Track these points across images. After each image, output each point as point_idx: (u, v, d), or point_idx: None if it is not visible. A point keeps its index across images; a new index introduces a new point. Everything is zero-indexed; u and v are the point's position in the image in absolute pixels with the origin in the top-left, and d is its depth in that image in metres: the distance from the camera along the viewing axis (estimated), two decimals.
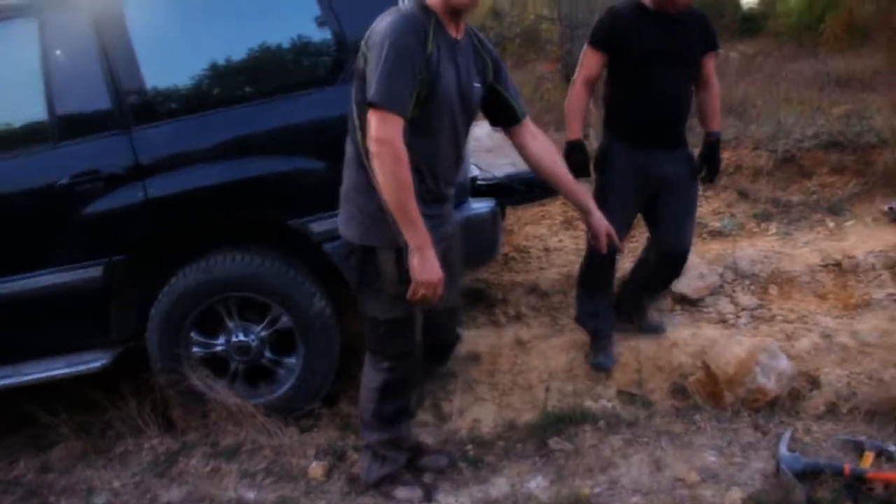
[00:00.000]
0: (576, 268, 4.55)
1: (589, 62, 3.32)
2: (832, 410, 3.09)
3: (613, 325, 3.65)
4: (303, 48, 3.34)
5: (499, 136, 4.38)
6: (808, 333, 3.66)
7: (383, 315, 2.55)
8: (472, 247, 3.20)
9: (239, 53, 3.30)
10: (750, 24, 12.21)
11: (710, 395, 3.15)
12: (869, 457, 2.73)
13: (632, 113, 3.33)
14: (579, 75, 3.34)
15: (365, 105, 2.30)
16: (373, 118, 2.26)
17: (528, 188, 3.55)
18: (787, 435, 2.83)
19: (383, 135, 2.24)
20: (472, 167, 3.71)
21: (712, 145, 3.47)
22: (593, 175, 3.51)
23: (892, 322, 3.73)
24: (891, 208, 4.85)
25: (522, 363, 3.72)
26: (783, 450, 2.72)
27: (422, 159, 2.40)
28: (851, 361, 3.48)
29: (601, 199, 3.14)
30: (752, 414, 3.06)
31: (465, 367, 3.71)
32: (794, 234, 4.79)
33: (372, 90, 2.24)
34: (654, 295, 3.87)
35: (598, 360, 3.54)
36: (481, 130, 4.61)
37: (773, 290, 4.14)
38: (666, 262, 3.52)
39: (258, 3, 3.28)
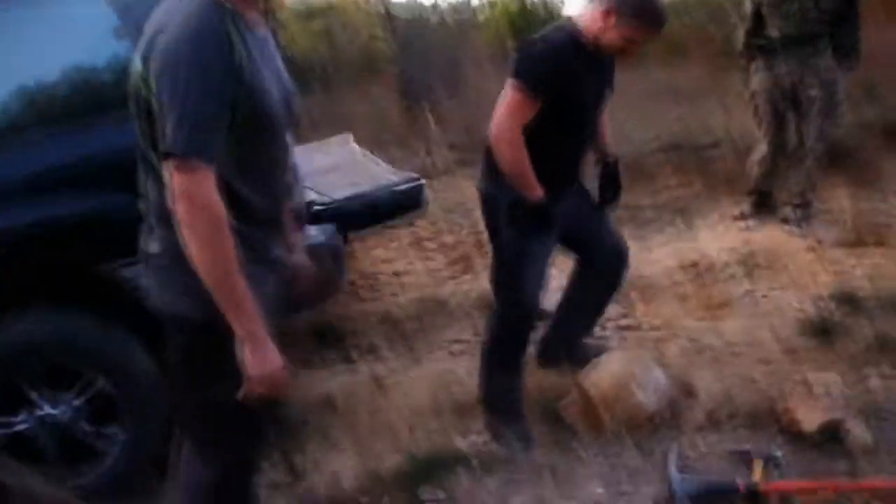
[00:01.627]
0: (429, 291, 4.28)
1: (525, 111, 2.70)
2: (713, 420, 2.91)
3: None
4: (99, 67, 2.88)
5: (337, 154, 4.04)
6: (676, 339, 3.51)
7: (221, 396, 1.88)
8: (315, 279, 2.84)
9: (26, 74, 2.79)
10: None
11: (586, 419, 2.90)
12: (758, 466, 2.55)
13: (557, 162, 2.86)
14: (513, 123, 2.71)
15: (159, 154, 1.73)
16: (175, 174, 1.66)
17: (373, 210, 3.22)
18: (673, 454, 2.61)
19: (191, 194, 1.66)
20: (308, 191, 3.34)
21: (615, 166, 3.19)
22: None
23: (754, 319, 3.64)
24: (742, 213, 4.85)
25: (382, 403, 3.35)
26: (673, 472, 2.49)
27: (253, 202, 1.85)
28: (722, 364, 3.33)
29: (517, 256, 2.84)
30: (633, 434, 2.82)
31: (318, 414, 3.30)
32: (647, 238, 4.70)
33: (168, 136, 1.66)
34: (599, 318, 3.47)
35: (521, 445, 2.88)
36: (318, 150, 4.25)
37: (635, 296, 3.99)
38: (613, 269, 3.20)
39: (46, 14, 2.79)
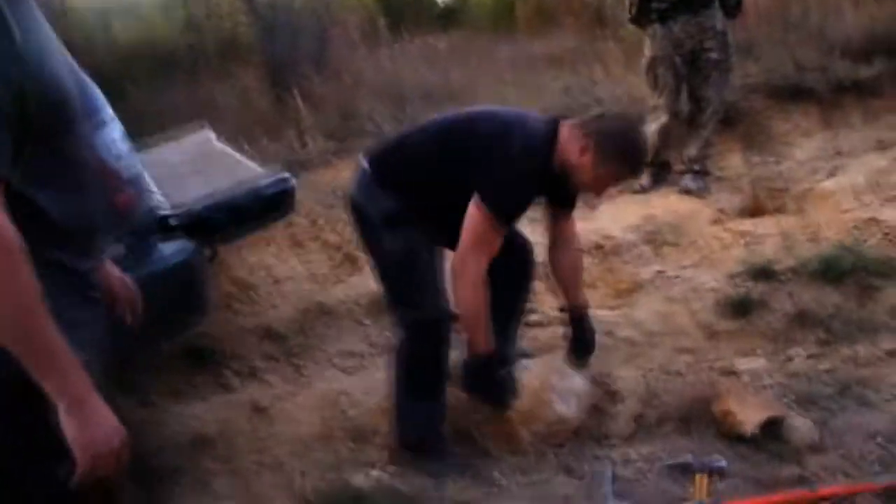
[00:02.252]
0: (313, 298, 3.83)
1: (493, 243, 2.37)
2: (643, 425, 2.60)
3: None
4: None
5: (194, 152, 3.53)
6: None
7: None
8: (171, 307, 2.37)
9: None
10: (446, 19, 12.21)
11: (503, 439, 2.54)
12: (702, 481, 2.24)
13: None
14: (480, 256, 2.34)
15: None
16: None
17: (236, 218, 2.74)
18: (608, 476, 2.27)
19: None
20: (157, 198, 2.84)
21: (584, 318, 2.79)
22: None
23: (669, 303, 3.37)
24: (641, 186, 4.59)
25: (266, 436, 2.90)
26: (610, 500, 2.15)
27: (57, 215, 1.39)
28: (642, 358, 3.05)
29: (405, 266, 2.46)
30: (557, 452, 2.48)
31: (192, 456, 2.82)
32: (543, 221, 4.37)
33: None
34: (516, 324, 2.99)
35: (447, 466, 2.51)
36: (172, 148, 3.71)
37: (539, 286, 3.65)
38: (523, 269, 2.84)
39: None
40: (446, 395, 2.57)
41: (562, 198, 2.62)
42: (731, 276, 3.44)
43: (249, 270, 4.28)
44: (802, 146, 5.09)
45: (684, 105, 4.65)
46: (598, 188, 2.49)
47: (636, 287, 3.53)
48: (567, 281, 2.78)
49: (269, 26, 7.44)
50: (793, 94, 5.49)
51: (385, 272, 2.54)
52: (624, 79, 5.62)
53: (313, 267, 4.24)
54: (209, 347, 3.48)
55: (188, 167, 3.33)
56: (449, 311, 2.44)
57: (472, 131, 2.42)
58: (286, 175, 2.95)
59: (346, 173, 5.27)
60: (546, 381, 2.54)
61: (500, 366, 2.54)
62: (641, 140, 2.46)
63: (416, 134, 2.58)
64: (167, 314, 2.37)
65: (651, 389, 2.82)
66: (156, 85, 7.93)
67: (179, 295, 2.42)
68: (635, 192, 4.60)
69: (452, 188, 2.40)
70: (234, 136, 6.24)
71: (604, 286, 3.56)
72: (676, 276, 3.55)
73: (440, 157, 2.43)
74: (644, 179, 4.65)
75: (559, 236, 2.72)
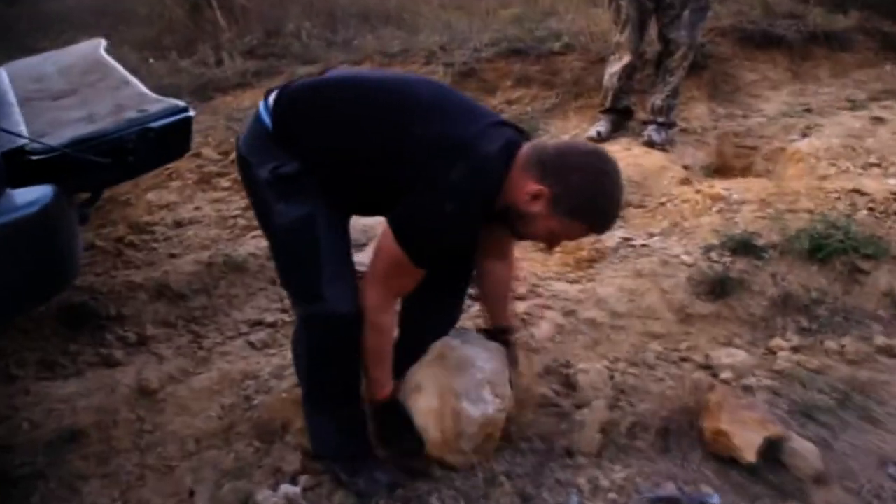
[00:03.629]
0: (221, 248, 3.27)
1: (407, 281, 1.89)
2: (612, 437, 2.15)
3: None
4: None
5: (74, 69, 2.88)
6: (547, 312, 2.72)
7: None
8: (20, 271, 1.81)
9: None
10: None
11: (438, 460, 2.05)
12: None
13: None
14: (388, 292, 1.89)
15: None
16: None
17: (115, 160, 2.14)
18: None
19: None
20: (21, 127, 2.22)
21: (509, 345, 2.23)
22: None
23: (636, 277, 2.92)
24: (599, 134, 4.11)
25: (153, 427, 2.36)
26: None
27: None
28: (607, 343, 2.61)
29: (302, 239, 1.88)
30: (510, 473, 2.01)
31: (58, 454, 2.27)
32: None
33: None
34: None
35: (375, 484, 2.02)
36: (48, 62, 3.06)
37: None
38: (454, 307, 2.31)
39: None
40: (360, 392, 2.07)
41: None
42: (706, 249, 3.01)
43: (148, 210, 3.68)
44: (770, 99, 4.68)
45: (652, 45, 4.16)
46: (548, 243, 1.93)
47: (599, 256, 3.06)
48: (495, 296, 2.23)
49: None
50: (762, 41, 5.07)
51: (277, 249, 1.98)
52: (585, 10, 5.09)
53: (223, 208, 3.65)
54: (90, 306, 2.90)
55: (64, 84, 2.68)
56: (359, 305, 1.90)
57: (409, 126, 1.81)
58: (181, 103, 2.34)
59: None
60: (444, 389, 2.01)
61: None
62: (612, 194, 1.81)
63: (335, 90, 1.94)
64: (15, 280, 1.81)
65: (618, 386, 2.40)
66: None
67: (32, 256, 1.83)
68: (591, 139, 4.12)
69: (368, 176, 1.85)
70: (141, 47, 5.52)
71: (561, 253, 3.08)
72: (644, 246, 3.10)
73: (362, 136, 1.83)
74: (602, 126, 4.18)
75: (493, 244, 2.11)
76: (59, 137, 2.10)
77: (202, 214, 3.61)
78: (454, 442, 1.99)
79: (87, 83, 2.69)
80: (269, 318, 2.83)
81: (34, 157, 2.07)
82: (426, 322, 2.17)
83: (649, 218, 3.34)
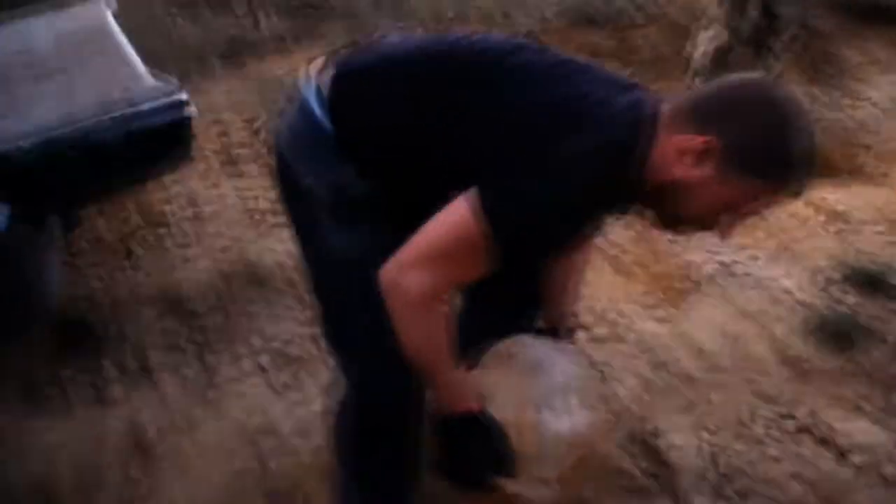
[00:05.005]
0: (243, 247, 2.83)
1: (474, 267, 1.30)
2: None
3: None
4: None
5: (67, 39, 2.41)
6: (630, 362, 2.23)
7: None
8: None
9: None
10: None
11: None
12: None
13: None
14: (441, 279, 1.30)
15: None
16: None
17: (90, 171, 1.66)
18: None
19: None
20: None
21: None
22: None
23: (742, 319, 2.40)
24: None
25: (148, 491, 1.94)
26: None
27: None
28: (705, 406, 2.12)
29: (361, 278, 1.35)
30: None
31: None
32: None
33: None
34: None
35: None
36: (39, 28, 2.57)
37: None
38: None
39: None
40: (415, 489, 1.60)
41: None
42: (824, 283, 2.48)
43: (165, 196, 3.22)
44: (881, 86, 4.06)
45: (751, 20, 3.56)
46: (722, 224, 1.32)
47: (692, 286, 2.54)
48: (560, 286, 1.68)
49: None
50: (868, 14, 4.43)
51: (325, 287, 1.50)
52: None
53: (249, 199, 3.17)
54: (89, 322, 2.48)
55: (53, 59, 2.20)
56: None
57: (502, 95, 1.31)
58: (182, 96, 1.85)
59: (303, 65, 4.17)
60: (518, 397, 1.50)
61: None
62: (805, 134, 1.23)
63: (402, 59, 1.44)
64: None
65: (720, 466, 1.92)
66: None
67: None
68: None
69: (448, 168, 1.35)
70: (168, 4, 5.03)
71: (645, 278, 2.57)
72: (746, 274, 2.58)
73: (438, 117, 1.34)
74: None
75: None
76: (17, 137, 1.63)
77: (226, 205, 3.14)
78: (534, 468, 1.49)
79: (80, 60, 2.21)
80: (295, 350, 2.36)
81: None
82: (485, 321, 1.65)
83: (749, 235, 2.79)
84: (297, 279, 2.60)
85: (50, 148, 1.60)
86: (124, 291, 2.62)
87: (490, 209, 1.24)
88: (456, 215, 1.27)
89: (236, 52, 4.39)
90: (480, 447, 1.43)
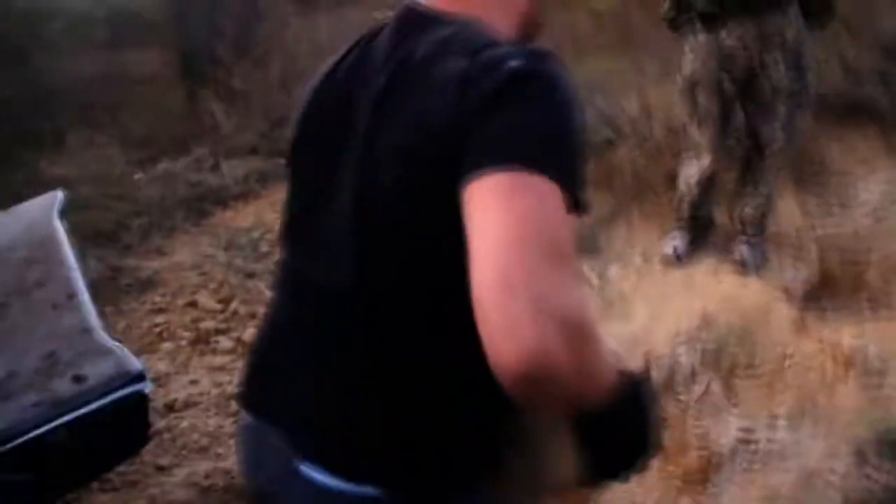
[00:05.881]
0: (223, 454, 2.60)
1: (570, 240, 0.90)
2: None
3: None
4: None
5: (19, 258, 2.22)
6: None
7: None
8: None
9: None
10: None
11: None
12: None
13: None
14: (562, 270, 0.83)
15: None
16: None
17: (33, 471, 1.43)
18: None
19: None
20: None
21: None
22: None
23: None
24: (676, 251, 3.39)
25: None
26: None
27: None
28: None
29: None
30: None
31: None
32: None
33: None
34: None
35: None
36: None
37: None
38: None
39: None
40: None
41: None
42: (858, 455, 2.27)
43: None
44: (869, 188, 3.94)
45: (737, 141, 3.43)
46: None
47: (711, 466, 2.33)
48: None
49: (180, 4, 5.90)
50: (847, 111, 4.34)
51: None
52: (638, 83, 4.36)
53: (224, 382, 2.95)
54: None
55: None
56: None
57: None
58: (136, 366, 1.64)
59: (271, 212, 3.98)
60: None
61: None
62: None
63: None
64: None
65: None
66: None
67: None
68: (668, 260, 3.40)
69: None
70: (131, 146, 4.86)
71: (661, 464, 2.34)
72: (770, 449, 2.36)
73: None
74: (678, 241, 3.45)
75: None
76: None
77: (199, 392, 2.92)
78: None
79: (25, 287, 2.00)
80: None
81: None
82: None
83: (766, 391, 2.59)
84: None
85: None
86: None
87: (537, 158, 0.88)
88: (518, 211, 0.85)
89: (200, 202, 4.22)
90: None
